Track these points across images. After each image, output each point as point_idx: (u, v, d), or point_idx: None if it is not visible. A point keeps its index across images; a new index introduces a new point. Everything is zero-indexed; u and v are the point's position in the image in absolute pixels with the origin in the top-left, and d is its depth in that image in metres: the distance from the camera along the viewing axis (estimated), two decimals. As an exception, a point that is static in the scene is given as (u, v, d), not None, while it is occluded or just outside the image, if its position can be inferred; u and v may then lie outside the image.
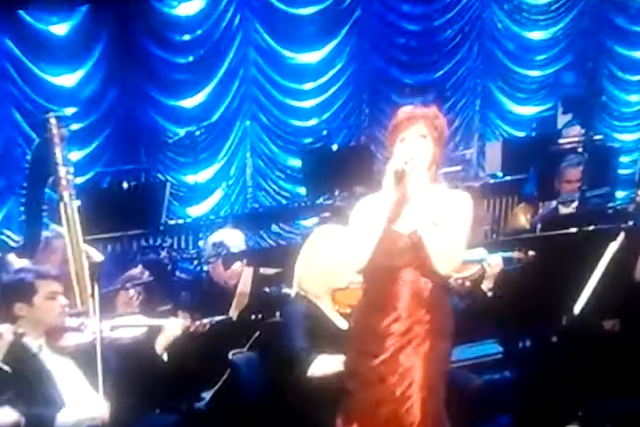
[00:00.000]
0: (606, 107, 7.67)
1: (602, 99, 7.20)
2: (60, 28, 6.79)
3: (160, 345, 3.22)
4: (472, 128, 7.98)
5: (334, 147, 6.57)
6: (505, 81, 8.09)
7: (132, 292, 3.84)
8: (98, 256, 4.20)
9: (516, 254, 3.54)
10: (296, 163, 7.29)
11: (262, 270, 4.25)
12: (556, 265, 3.31)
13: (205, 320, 3.46)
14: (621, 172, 6.89)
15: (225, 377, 3.50)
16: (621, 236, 3.27)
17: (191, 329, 3.33)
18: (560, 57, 8.09)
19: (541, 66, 8.12)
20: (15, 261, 4.03)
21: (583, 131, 5.99)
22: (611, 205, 5.61)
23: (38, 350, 2.92)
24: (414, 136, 2.71)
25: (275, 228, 6.91)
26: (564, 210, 4.97)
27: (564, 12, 8.10)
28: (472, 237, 2.75)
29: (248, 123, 7.56)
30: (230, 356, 3.50)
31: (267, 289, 4.20)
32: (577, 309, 3.18)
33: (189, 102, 7.30)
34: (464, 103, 8.01)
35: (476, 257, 3.31)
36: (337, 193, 6.03)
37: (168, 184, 5.80)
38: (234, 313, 3.99)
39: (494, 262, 3.38)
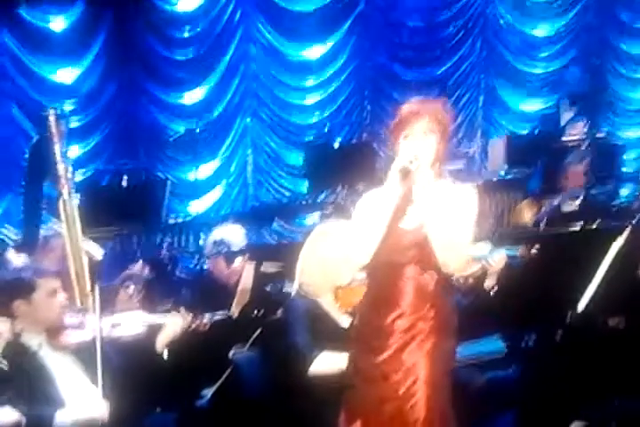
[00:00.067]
0: (610, 103, 7.67)
1: (606, 96, 7.19)
2: (59, 24, 6.80)
3: (161, 343, 3.22)
4: (475, 125, 7.98)
5: (336, 143, 6.57)
6: (508, 77, 8.09)
7: (132, 289, 3.84)
8: (98, 253, 4.21)
9: (519, 251, 3.53)
10: (297, 160, 7.30)
11: (264, 267, 4.25)
12: (560, 262, 3.31)
13: (206, 318, 3.46)
14: (625, 169, 6.89)
15: (226, 375, 3.50)
16: (626, 232, 3.27)
17: (192, 327, 3.33)
18: (564, 53, 8.10)
19: (545, 62, 8.12)
20: (14, 258, 4.04)
21: (586, 128, 5.99)
22: (615, 201, 5.63)
23: (38, 347, 2.92)
24: (419, 133, 2.69)
25: (276, 225, 6.91)
26: (567, 207, 4.97)
27: (568, 8, 8.11)
28: (477, 233, 2.75)
29: (249, 119, 7.57)
30: (231, 353, 3.51)
31: (268, 286, 4.20)
32: (581, 306, 3.18)
33: (189, 99, 7.31)
34: (467, 100, 8.02)
35: (480, 254, 3.31)
36: (338, 190, 6.03)
37: (168, 182, 5.80)
38: (235, 310, 3.99)
39: (498, 259, 3.38)
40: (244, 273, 4.15)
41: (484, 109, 8.08)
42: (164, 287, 4.25)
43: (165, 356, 3.22)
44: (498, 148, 6.46)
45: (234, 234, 4.32)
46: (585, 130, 6.07)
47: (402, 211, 2.67)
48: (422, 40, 7.90)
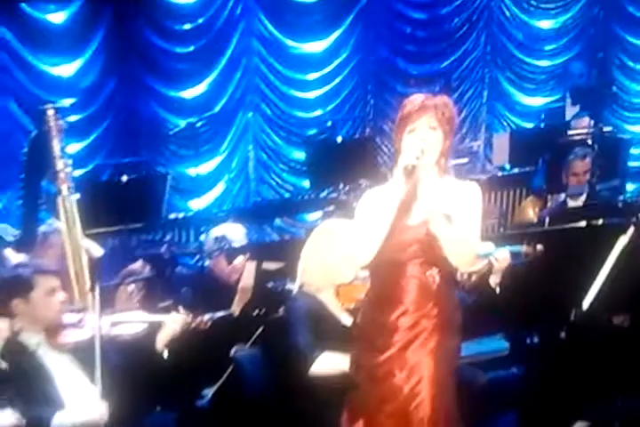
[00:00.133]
0: (616, 97, 7.64)
1: (612, 89, 7.16)
2: (58, 17, 6.78)
3: (161, 341, 3.22)
4: (479, 120, 7.96)
5: (339, 139, 6.55)
6: (513, 71, 8.06)
7: (131, 287, 3.84)
8: (97, 251, 4.21)
9: (524, 249, 3.53)
10: (300, 155, 7.29)
11: (265, 265, 4.25)
12: (564, 259, 3.30)
13: (207, 316, 3.47)
14: (632, 164, 6.87)
15: (227, 374, 3.51)
16: (631, 229, 3.27)
17: (192, 325, 3.33)
18: (570, 46, 8.05)
19: (550, 56, 8.09)
20: (12, 256, 4.04)
21: (592, 122, 5.96)
22: (620, 197, 5.61)
23: (36, 346, 2.92)
24: (424, 128, 2.68)
25: (278, 221, 6.91)
26: (572, 203, 4.96)
27: (574, 0, 8.06)
28: (482, 230, 2.75)
29: (250, 114, 7.55)
30: (232, 352, 3.51)
31: (270, 284, 4.21)
32: (586, 304, 3.18)
33: (190, 93, 7.29)
34: (471, 94, 7.99)
35: (484, 251, 3.30)
36: (341, 186, 6.02)
37: (169, 177, 5.80)
38: (236, 309, 3.99)
39: (502, 257, 3.38)
40: (245, 271, 4.15)
41: (488, 104, 8.05)
42: (165, 286, 4.25)
43: (165, 355, 3.22)
44: (502, 142, 6.43)
45: (235, 231, 4.32)
46: (591, 124, 6.05)
47: (406, 208, 2.67)
48: (426, 34, 7.86)
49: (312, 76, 7.66)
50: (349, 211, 2.89)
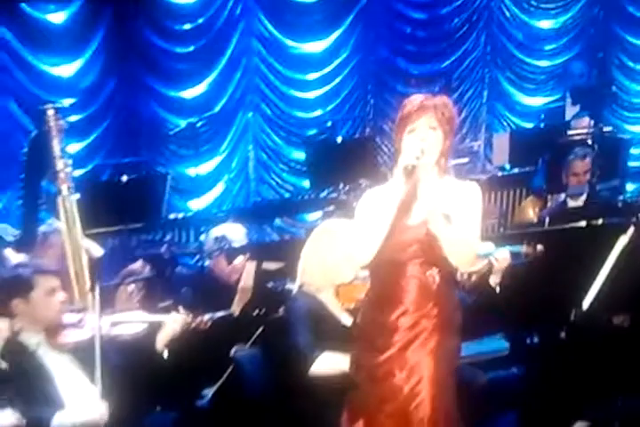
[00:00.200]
0: (616, 97, 7.64)
1: (612, 89, 7.16)
2: (58, 17, 6.78)
3: (161, 342, 3.23)
4: (479, 119, 7.96)
5: (339, 139, 6.55)
6: (513, 71, 8.06)
7: (131, 287, 3.84)
8: (97, 251, 4.21)
9: (524, 249, 3.53)
10: (300, 155, 7.29)
11: (265, 265, 4.25)
12: (564, 259, 3.31)
13: (207, 316, 3.47)
14: (632, 164, 6.87)
15: (227, 374, 3.51)
16: (631, 229, 3.27)
17: (192, 325, 3.33)
18: (570, 46, 8.05)
19: (550, 56, 8.09)
20: (12, 256, 4.04)
21: (592, 122, 5.96)
22: (620, 197, 5.61)
23: (36, 346, 2.92)
24: (424, 128, 2.68)
25: (278, 221, 6.91)
26: (572, 203, 4.96)
27: (574, 0, 8.06)
28: (482, 230, 2.75)
29: (250, 114, 7.55)
30: (232, 352, 3.51)
31: (270, 284, 4.21)
32: (586, 304, 3.18)
33: (190, 93, 7.30)
34: (471, 94, 7.99)
35: (484, 251, 3.31)
36: (341, 186, 6.02)
37: (169, 177, 5.80)
38: (236, 309, 3.99)
39: (502, 257, 3.38)
40: (245, 271, 4.15)
41: (488, 104, 8.05)
42: (165, 286, 4.25)
43: (165, 355, 3.22)
44: (502, 143, 6.43)
45: (235, 232, 4.33)
46: (591, 124, 6.05)
47: (406, 207, 2.67)
48: (426, 34, 7.86)
49: (312, 76, 7.66)
50: (349, 211, 2.89)
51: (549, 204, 5.24)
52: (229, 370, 3.49)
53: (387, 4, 7.82)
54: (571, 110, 6.86)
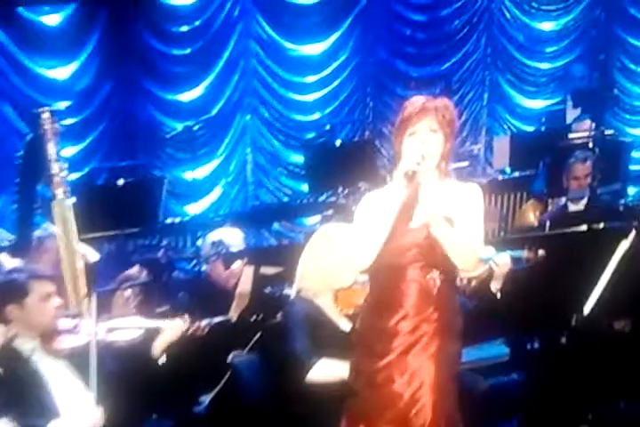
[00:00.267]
0: (618, 100, 7.66)
1: (613, 92, 7.18)
2: (53, 20, 6.80)
3: (158, 348, 3.23)
4: (480, 122, 7.98)
5: (337, 142, 6.56)
6: (514, 74, 8.08)
7: (128, 292, 3.85)
8: (93, 256, 4.22)
9: (525, 254, 3.54)
10: (298, 158, 7.30)
11: (263, 270, 4.26)
12: (565, 264, 3.32)
13: (204, 322, 3.47)
14: (633, 167, 6.88)
15: (224, 380, 3.51)
16: (633, 234, 3.28)
17: (189, 331, 3.34)
18: (571, 49, 8.07)
19: (551, 58, 8.11)
20: (7, 261, 4.05)
21: (594, 125, 5.98)
22: (622, 201, 5.62)
23: (31, 353, 2.92)
24: (424, 131, 2.68)
25: (276, 226, 6.92)
26: (573, 207, 4.97)
27: (575, 2, 8.08)
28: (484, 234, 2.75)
29: (248, 117, 7.57)
30: (230, 358, 3.52)
31: (268, 289, 4.21)
32: (587, 309, 3.19)
33: (187, 96, 7.31)
34: (472, 97, 8.01)
35: (484, 256, 3.31)
36: (340, 190, 6.03)
37: (165, 181, 5.81)
38: (233, 314, 4.00)
39: (502, 262, 3.39)
40: (243, 276, 4.16)
41: (488, 107, 8.06)
42: (162, 291, 4.26)
43: (163, 361, 3.23)
44: (503, 146, 6.45)
45: (232, 236, 4.33)
46: (592, 127, 6.07)
47: (406, 211, 2.67)
48: (426, 36, 7.88)
49: (311, 78, 7.68)
50: (348, 215, 2.90)
51: (550, 207, 5.25)
52: (227, 376, 3.49)
53: (386, 5, 7.84)
54: (572, 113, 6.88)
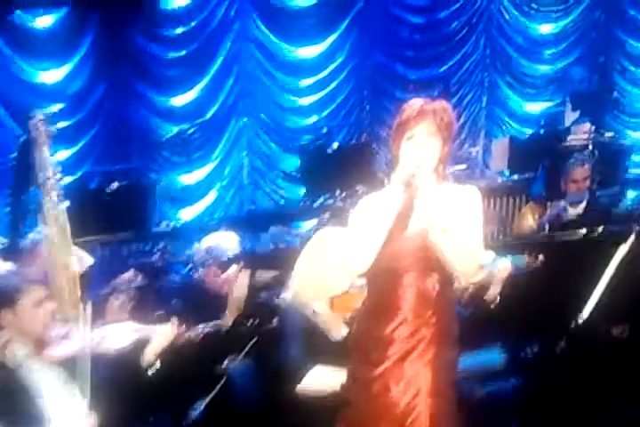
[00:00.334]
0: (618, 103, 7.67)
1: (613, 94, 7.20)
2: (45, 21, 6.82)
3: (151, 354, 3.23)
4: (478, 125, 8.00)
5: (334, 145, 6.59)
6: (513, 76, 8.10)
7: (122, 297, 3.85)
8: (87, 260, 4.22)
9: (525, 259, 3.55)
10: (295, 162, 7.32)
11: (259, 274, 4.27)
12: (563, 268, 3.33)
13: (199, 327, 3.48)
14: (633, 171, 6.89)
15: (219, 387, 3.52)
16: (632, 237, 3.29)
17: (184, 337, 3.34)
18: (570, 51, 8.08)
19: (551, 60, 8.11)
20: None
21: (593, 128, 6.00)
22: (621, 205, 5.63)
23: (23, 359, 2.93)
24: (422, 134, 2.68)
25: (272, 230, 6.92)
26: (572, 210, 4.97)
27: (575, 4, 8.09)
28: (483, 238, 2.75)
29: (244, 120, 7.59)
30: (225, 364, 3.52)
31: (263, 294, 4.22)
32: (585, 314, 3.20)
33: (182, 99, 7.34)
34: (470, 99, 8.03)
35: (484, 262, 3.32)
36: (337, 193, 6.04)
37: (160, 185, 5.82)
38: (228, 319, 4.00)
39: (502, 267, 3.39)
40: (238, 281, 4.16)
41: (487, 109, 8.08)
42: (156, 296, 4.26)
43: (156, 367, 3.23)
44: (501, 148, 6.47)
45: (227, 240, 4.33)
46: (592, 130, 6.08)
47: (404, 215, 2.67)
48: (424, 37, 7.91)
49: (307, 81, 7.71)
50: (345, 218, 2.91)
51: (549, 211, 5.26)
52: (221, 382, 3.50)
53: (384, 7, 7.86)
54: (571, 116, 6.89)
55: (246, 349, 3.54)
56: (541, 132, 6.68)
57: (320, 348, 3.15)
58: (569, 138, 6.22)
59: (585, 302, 3.20)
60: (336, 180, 6.06)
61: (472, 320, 3.21)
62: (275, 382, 3.17)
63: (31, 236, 4.19)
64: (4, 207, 4.07)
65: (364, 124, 7.77)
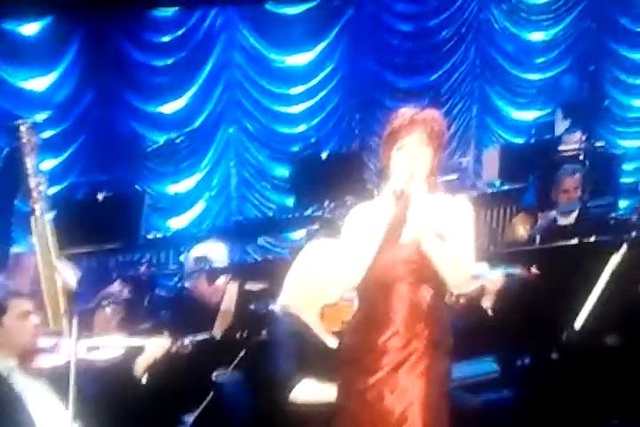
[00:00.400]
0: (609, 112, 7.74)
1: (604, 103, 7.27)
2: (30, 29, 6.82)
3: (140, 367, 3.24)
4: (468, 134, 8.04)
5: (324, 155, 6.61)
6: (503, 85, 8.15)
7: (109, 310, 3.86)
8: (72, 278, 4.19)
9: (518, 271, 3.57)
10: (283, 172, 7.34)
11: (248, 286, 4.28)
12: (555, 278, 3.36)
13: (187, 340, 3.49)
14: (624, 180, 6.95)
15: (208, 399, 3.52)
16: (624, 247, 3.33)
17: (172, 349, 3.35)
18: (561, 59, 8.14)
19: (541, 69, 8.17)
20: (-16, 279, 4.05)
21: (584, 137, 6.05)
22: (613, 215, 5.67)
23: (9, 373, 2.93)
24: (413, 145, 2.70)
25: (261, 241, 6.94)
26: (563, 220, 5.01)
27: (565, 13, 8.17)
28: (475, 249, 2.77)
29: (232, 130, 7.60)
30: (214, 377, 3.53)
31: (252, 306, 4.23)
32: (578, 324, 3.23)
33: (169, 108, 7.34)
34: (460, 108, 8.06)
35: (477, 272, 3.35)
36: (327, 204, 6.06)
37: (147, 195, 5.83)
38: (217, 332, 4.01)
39: (495, 279, 3.41)
40: (227, 292, 4.18)
41: (478, 118, 8.13)
42: (144, 308, 4.27)
43: (145, 380, 3.23)
44: (492, 158, 6.51)
45: (216, 251, 4.35)
46: (583, 139, 6.14)
47: (396, 229, 2.69)
48: (414, 46, 7.95)
49: (296, 89, 7.73)
50: (335, 229, 2.92)
51: (540, 221, 5.29)
52: (211, 395, 3.50)
53: (373, 15, 7.91)
54: (562, 125, 6.94)
55: (236, 361, 3.54)
56: (532, 141, 6.73)
57: (311, 358, 3.16)
58: (560, 147, 6.27)
59: (578, 312, 3.23)
60: (325, 190, 6.07)
61: (466, 330, 3.22)
62: (265, 394, 3.18)
63: (15, 248, 4.19)
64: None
65: (354, 134, 7.79)
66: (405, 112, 2.75)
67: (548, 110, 7.81)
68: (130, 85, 7.21)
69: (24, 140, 3.70)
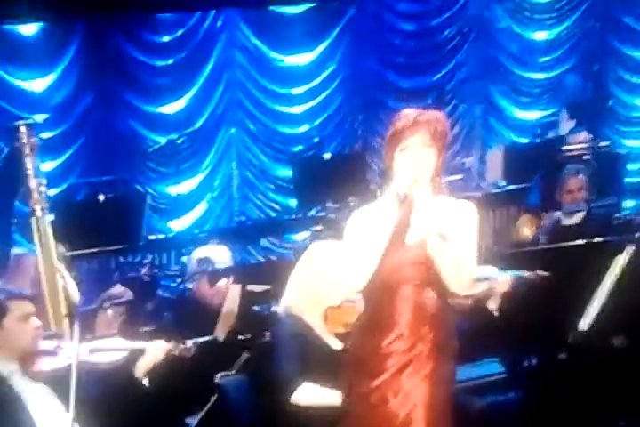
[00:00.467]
0: (613, 111, 7.74)
1: (608, 103, 7.26)
2: (30, 29, 6.83)
3: (142, 369, 3.23)
4: (472, 135, 8.04)
5: (326, 155, 6.62)
6: (507, 84, 8.16)
7: (111, 312, 3.85)
8: (75, 290, 4.17)
9: (526, 274, 3.57)
10: (286, 173, 7.34)
11: (250, 288, 4.27)
12: (560, 279, 3.36)
13: (190, 342, 3.48)
14: (629, 180, 6.94)
15: (212, 402, 3.52)
16: (630, 248, 3.32)
17: (175, 352, 3.34)
18: (564, 59, 8.16)
19: (545, 68, 8.18)
20: (-17, 281, 4.04)
21: (589, 137, 6.05)
22: (618, 215, 5.67)
23: (9, 375, 2.92)
24: (416, 146, 2.69)
25: (263, 242, 6.94)
26: (568, 221, 5.00)
27: (569, 12, 8.18)
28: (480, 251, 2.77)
29: (233, 130, 7.61)
30: (217, 379, 3.53)
31: (255, 308, 4.23)
32: (584, 325, 3.22)
33: (170, 108, 7.35)
34: (464, 108, 8.07)
35: (485, 274, 3.34)
36: (329, 204, 6.06)
37: (148, 196, 5.83)
38: (220, 334, 4.01)
39: (502, 281, 3.41)
40: (230, 294, 4.17)
41: (481, 118, 8.13)
42: (146, 310, 4.27)
43: (147, 383, 3.23)
44: (496, 158, 6.51)
45: (219, 252, 4.34)
46: (588, 139, 6.13)
47: (401, 231, 2.68)
48: (416, 46, 7.96)
49: (298, 90, 7.74)
50: (338, 230, 2.92)
51: (544, 222, 5.29)
52: (214, 398, 3.50)
53: (375, 15, 7.91)
54: (566, 125, 6.94)
55: (239, 363, 3.54)
56: (537, 141, 6.72)
57: (314, 360, 3.16)
58: (565, 147, 6.27)
59: (584, 313, 3.22)
60: (328, 191, 6.08)
61: (472, 332, 3.22)
62: (269, 397, 3.18)
63: (16, 250, 4.19)
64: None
65: (357, 134, 7.79)
66: (408, 113, 2.75)
67: (552, 110, 7.82)
68: (130, 86, 7.22)
69: (24, 142, 3.70)
